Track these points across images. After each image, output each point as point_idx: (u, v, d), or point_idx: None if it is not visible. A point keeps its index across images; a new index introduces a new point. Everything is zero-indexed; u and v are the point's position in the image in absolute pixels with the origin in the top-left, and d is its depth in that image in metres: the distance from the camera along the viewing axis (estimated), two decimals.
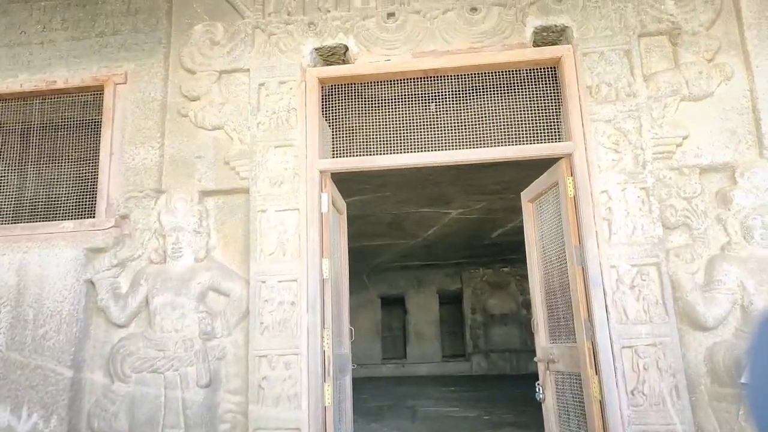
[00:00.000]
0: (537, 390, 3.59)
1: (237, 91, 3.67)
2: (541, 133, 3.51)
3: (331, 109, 3.79)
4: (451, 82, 3.68)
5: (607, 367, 3.00)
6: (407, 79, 3.69)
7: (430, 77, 3.67)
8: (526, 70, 3.57)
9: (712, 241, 3.16)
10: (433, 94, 3.70)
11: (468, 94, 3.69)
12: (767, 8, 3.29)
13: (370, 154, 3.60)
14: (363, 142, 3.68)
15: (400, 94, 3.76)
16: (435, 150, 3.53)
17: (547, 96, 3.57)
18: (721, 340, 3.03)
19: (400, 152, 3.58)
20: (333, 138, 3.84)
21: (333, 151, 3.76)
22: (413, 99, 3.72)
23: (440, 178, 6.70)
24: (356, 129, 3.75)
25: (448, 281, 15.83)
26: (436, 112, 3.66)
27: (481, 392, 10.31)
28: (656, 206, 3.14)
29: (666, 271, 3.07)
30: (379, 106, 3.76)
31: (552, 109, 3.58)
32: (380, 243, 11.78)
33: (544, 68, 3.56)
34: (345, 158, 3.60)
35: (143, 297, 3.42)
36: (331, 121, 3.84)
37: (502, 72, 3.60)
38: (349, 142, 3.71)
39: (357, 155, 3.61)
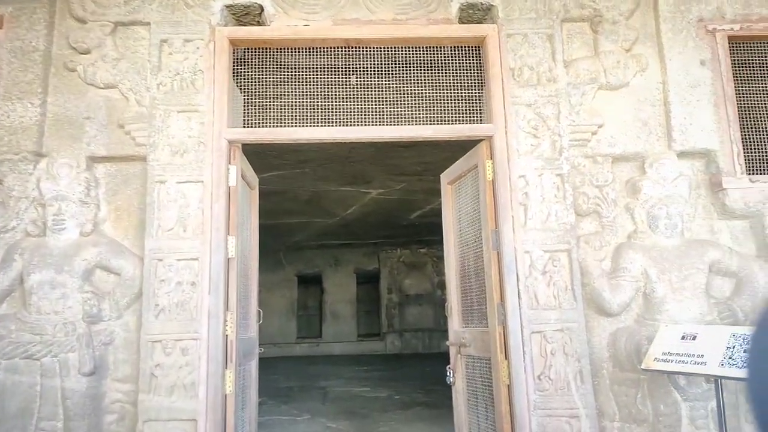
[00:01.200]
0: (447, 374, 3.56)
1: (135, 46, 3.28)
2: (463, 113, 3.42)
3: (244, 74, 3.49)
4: (374, 54, 3.49)
5: (516, 351, 3.00)
6: (327, 48, 3.46)
7: (352, 47, 3.46)
8: (451, 47, 3.46)
9: (620, 230, 3.23)
10: (355, 66, 3.50)
11: (390, 68, 3.52)
12: (682, 2, 3.36)
13: (285, 126, 3.35)
14: (278, 112, 3.42)
15: (319, 63, 3.53)
16: (355, 125, 3.35)
17: (471, 76, 3.48)
18: (623, 326, 3.12)
19: (318, 125, 3.37)
20: (245, 106, 3.54)
21: (245, 120, 3.47)
22: (333, 70, 3.50)
23: (361, 156, 6.53)
24: (271, 98, 3.48)
25: (365, 261, 15.82)
26: (357, 85, 3.47)
27: (393, 371, 10.41)
28: (570, 193, 3.15)
29: (576, 258, 3.10)
30: (296, 75, 3.51)
31: (475, 89, 3.50)
32: (298, 221, 11.49)
33: (468, 47, 3.46)
34: (257, 128, 3.33)
35: (17, 274, 3.01)
36: (243, 87, 3.54)
37: (426, 47, 3.46)
38: (263, 112, 3.43)
39: (271, 126, 3.36)
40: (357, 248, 15.43)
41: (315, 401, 7.24)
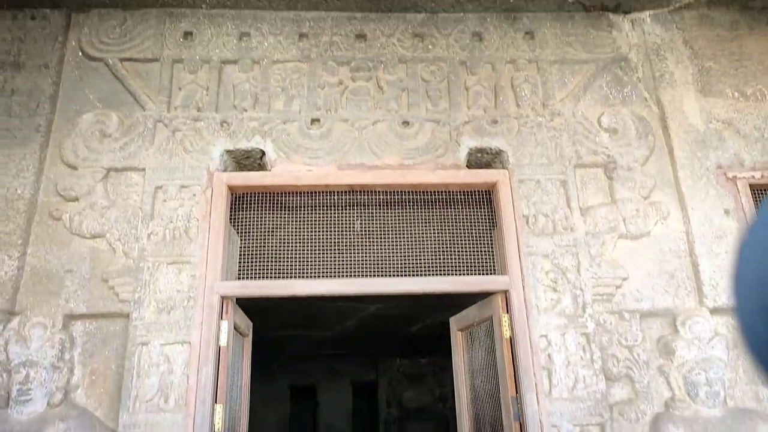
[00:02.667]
0: None
1: (127, 193, 3.10)
2: (475, 262, 3.19)
3: (241, 218, 3.29)
4: (379, 198, 3.33)
5: None
6: (331, 192, 3.30)
7: (357, 192, 3.30)
8: (461, 192, 3.30)
9: (656, 396, 2.88)
10: (359, 211, 3.32)
11: (397, 213, 3.35)
12: (698, 149, 3.26)
13: (284, 277, 3.10)
14: (276, 261, 3.18)
15: (322, 205, 3.35)
16: (359, 276, 3.10)
17: (482, 221, 3.30)
18: None
19: (320, 276, 3.12)
20: (242, 252, 3.31)
21: (240, 267, 3.23)
22: (337, 214, 3.31)
23: None
24: (270, 245, 3.26)
25: (362, 372, 15.03)
26: (362, 232, 3.27)
27: None
28: (598, 355, 2.85)
29: None
30: (297, 220, 3.32)
31: (486, 236, 3.30)
32: (293, 333, 11.00)
33: (479, 191, 3.30)
34: (254, 281, 3.08)
35: None
36: (240, 231, 3.34)
37: (434, 192, 3.30)
38: (261, 261, 3.20)
39: (269, 276, 3.10)
40: (354, 358, 14.73)
41: None
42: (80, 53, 3.38)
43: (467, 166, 3.31)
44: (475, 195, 3.31)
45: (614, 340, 2.92)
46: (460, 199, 3.32)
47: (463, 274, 3.14)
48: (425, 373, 14.84)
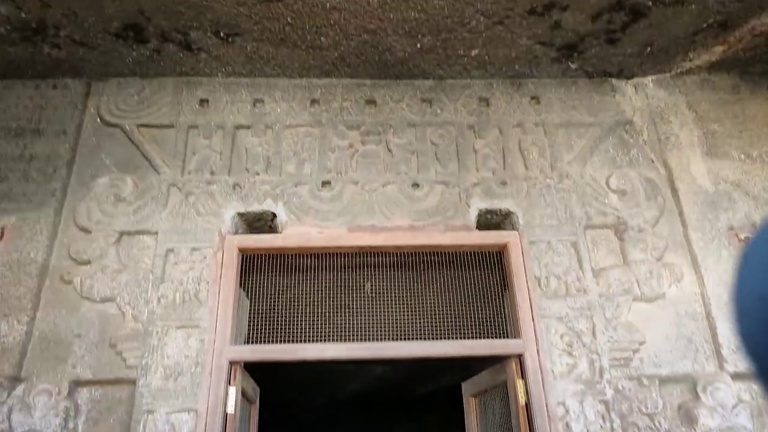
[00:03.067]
0: None
1: (139, 256, 3.11)
2: (487, 323, 3.14)
3: (251, 279, 3.28)
4: (390, 259, 3.32)
5: None
6: (341, 254, 3.30)
7: (367, 253, 3.30)
8: (471, 253, 3.29)
9: None
10: (370, 273, 3.31)
11: (407, 275, 3.33)
12: (709, 210, 3.27)
13: (294, 340, 3.06)
14: (286, 322, 3.15)
15: (332, 267, 3.34)
16: (369, 341, 3.05)
17: (493, 283, 3.27)
18: None
19: (329, 339, 3.07)
20: (251, 313, 3.29)
21: (250, 330, 3.19)
22: (347, 276, 3.30)
23: None
24: (280, 306, 3.24)
25: None
26: (372, 293, 3.25)
27: None
28: (618, 424, 2.75)
29: None
30: (307, 282, 3.31)
31: (498, 297, 3.26)
32: (297, 397, 10.71)
33: (489, 253, 3.30)
34: (264, 345, 3.03)
35: None
36: (250, 292, 3.32)
37: (444, 253, 3.30)
38: (270, 321, 3.16)
39: (278, 340, 3.06)
40: (361, 427, 14.25)
41: None
42: (98, 120, 3.48)
43: (477, 227, 3.32)
44: (485, 257, 3.30)
45: (634, 408, 2.82)
46: (471, 260, 3.30)
47: (475, 338, 3.08)
48: None
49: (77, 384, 2.82)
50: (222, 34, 3.22)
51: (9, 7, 2.95)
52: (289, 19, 3.10)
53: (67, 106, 3.48)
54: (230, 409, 2.83)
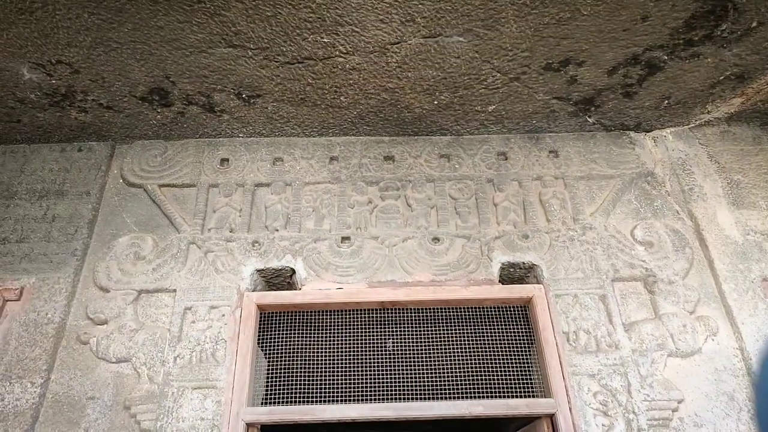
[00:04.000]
0: None
1: (157, 315, 3.07)
2: (513, 381, 3.00)
3: (269, 337, 3.20)
4: (411, 315, 3.24)
5: None
6: (362, 310, 3.23)
7: (388, 309, 3.22)
8: (494, 308, 3.20)
9: None
10: (391, 329, 3.22)
11: (429, 331, 3.23)
12: (740, 261, 3.16)
13: (313, 400, 2.94)
14: (305, 381, 3.04)
15: (352, 324, 3.26)
16: (392, 400, 2.92)
17: (518, 338, 3.15)
18: None
19: (350, 399, 2.95)
20: (268, 372, 3.18)
21: (267, 390, 3.08)
22: (367, 333, 3.21)
23: None
24: (298, 364, 3.14)
25: None
26: (394, 350, 3.14)
27: None
28: None
29: None
30: (327, 339, 3.22)
31: (523, 353, 3.13)
32: None
33: (513, 307, 3.20)
34: (281, 407, 2.91)
35: None
36: (267, 350, 3.23)
37: (467, 309, 3.21)
38: (289, 380, 3.06)
39: (296, 400, 2.94)
40: None
41: None
42: (121, 180, 3.54)
43: (500, 281, 3.25)
44: (509, 311, 3.20)
45: None
46: (495, 315, 3.20)
47: (502, 397, 2.93)
48: None
49: None
50: (244, 95, 3.31)
51: (40, 74, 3.07)
52: (309, 80, 3.18)
53: (91, 167, 3.55)
54: None
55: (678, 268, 3.17)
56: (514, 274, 3.33)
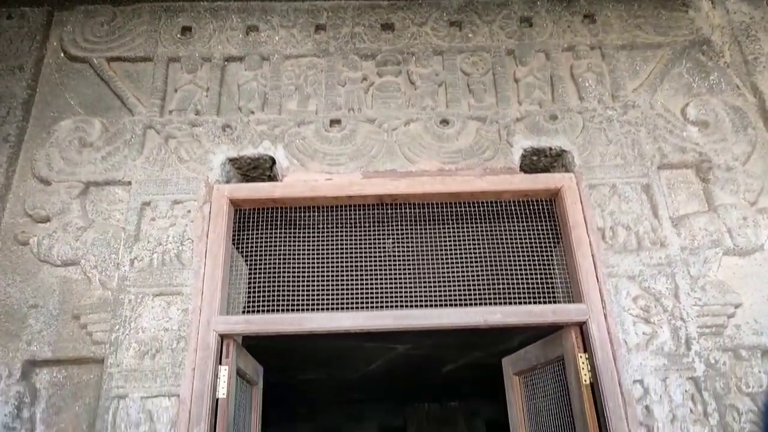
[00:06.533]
0: None
1: (109, 211, 2.56)
2: (534, 285, 2.54)
3: (248, 239, 2.71)
4: (415, 211, 2.72)
5: None
6: (356, 206, 2.71)
7: (387, 205, 2.71)
8: (513, 202, 2.68)
9: None
10: (391, 228, 2.72)
11: (436, 230, 2.73)
12: None
13: (300, 310, 2.49)
14: (291, 290, 2.58)
15: (345, 223, 2.76)
16: (391, 308, 2.47)
17: (541, 238, 2.66)
18: None
19: (344, 306, 2.49)
20: (250, 280, 2.72)
21: (249, 301, 2.62)
22: (363, 233, 2.71)
23: None
24: (283, 271, 2.67)
25: (389, 417, 14.11)
26: (395, 253, 2.66)
27: None
28: (713, 407, 2.15)
29: None
30: (316, 241, 2.73)
31: (546, 254, 2.65)
32: (316, 377, 10.29)
33: (536, 201, 2.68)
34: (260, 315, 2.46)
35: None
36: (247, 255, 2.75)
37: (482, 204, 2.69)
38: (272, 289, 2.59)
39: (282, 310, 2.49)
40: (380, 403, 13.84)
41: None
42: (62, 54, 2.92)
43: (521, 170, 2.71)
44: (532, 206, 2.68)
45: (731, 386, 2.22)
46: (514, 211, 2.69)
47: (517, 304, 2.47)
48: (456, 418, 13.86)
49: (33, 364, 2.29)
50: None
51: None
52: None
53: (24, 38, 2.92)
54: (221, 394, 2.28)
55: (738, 152, 2.63)
56: (537, 163, 2.79)
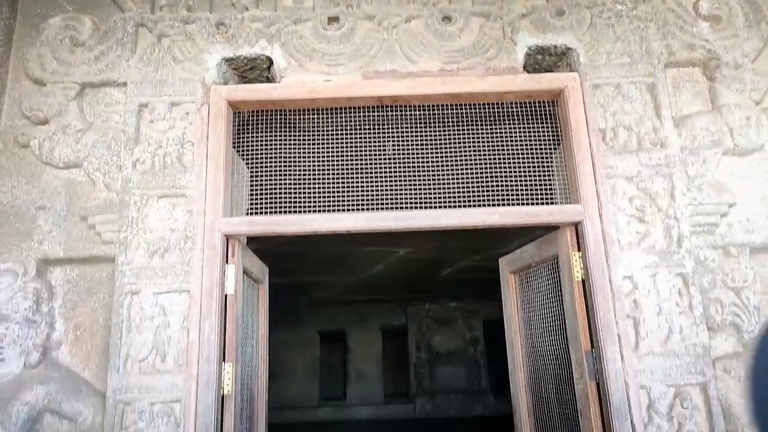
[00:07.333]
0: None
1: (107, 113, 2.54)
2: (533, 188, 2.57)
3: (248, 142, 2.71)
4: (416, 113, 2.70)
5: None
6: (356, 108, 2.68)
7: (387, 107, 2.68)
8: (516, 103, 2.64)
9: None
10: (391, 130, 2.70)
11: (437, 131, 2.72)
12: None
13: (302, 212, 2.54)
14: (293, 192, 2.61)
15: (345, 125, 2.74)
16: (392, 209, 2.51)
17: (543, 139, 2.65)
18: None
19: (345, 207, 2.54)
20: (252, 183, 2.75)
21: (252, 203, 2.67)
22: (363, 135, 2.70)
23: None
24: (285, 174, 2.69)
25: (392, 316, 14.81)
26: (395, 155, 2.66)
27: None
28: (699, 300, 2.25)
29: (715, 395, 2.16)
30: (316, 143, 2.72)
31: (547, 156, 2.65)
32: (320, 279, 10.66)
33: (539, 102, 2.64)
34: (264, 217, 2.52)
35: None
36: (248, 158, 2.76)
37: (483, 105, 2.65)
38: (275, 192, 2.63)
39: (283, 212, 2.54)
40: (382, 303, 14.46)
41: None
42: None
43: (524, 70, 2.64)
44: (534, 107, 2.65)
45: (718, 281, 2.31)
46: (516, 112, 2.66)
47: (519, 205, 2.52)
48: (455, 317, 14.54)
49: (47, 263, 2.38)
50: None
51: None
52: None
53: None
54: (229, 290, 2.39)
55: (748, 49, 2.55)
56: (542, 62, 2.71)
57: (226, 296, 2.39)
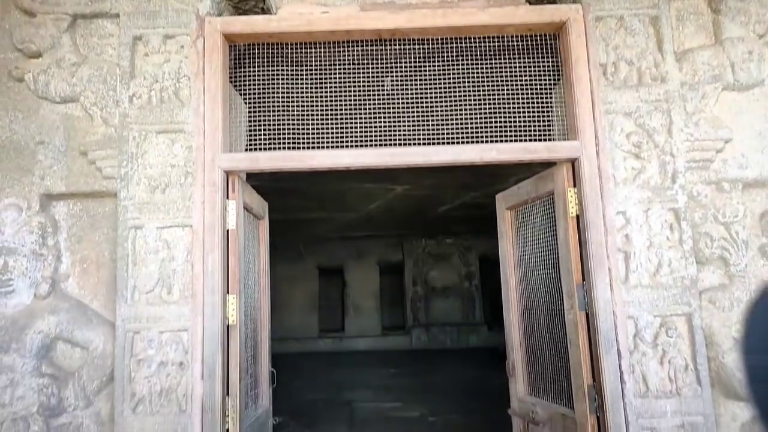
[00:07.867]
0: None
1: (101, 46, 2.50)
2: (533, 124, 2.57)
3: (246, 76, 2.67)
4: (414, 47, 2.65)
5: None
6: (353, 42, 2.63)
7: (386, 41, 2.63)
8: (517, 37, 2.60)
9: (754, 281, 2.38)
10: (389, 64, 2.67)
11: (436, 66, 2.68)
12: None
13: (298, 145, 2.55)
14: (291, 128, 2.61)
15: (343, 59, 2.70)
16: (391, 145, 2.53)
17: (543, 75, 2.62)
18: None
19: (343, 144, 2.55)
20: (250, 118, 2.74)
21: (250, 139, 2.67)
22: (361, 69, 2.66)
23: None
24: (283, 109, 2.67)
25: (389, 252, 15.09)
26: (393, 90, 2.64)
27: (424, 377, 9.70)
28: (689, 235, 2.31)
29: (699, 325, 2.27)
30: (314, 78, 2.69)
31: (548, 92, 2.63)
32: (318, 216, 10.76)
33: (540, 36, 2.59)
34: (264, 152, 2.53)
35: None
36: (246, 93, 2.73)
37: (483, 39, 2.60)
38: (273, 128, 2.62)
39: (281, 148, 2.55)
40: (380, 239, 14.69)
41: (341, 422, 6.59)
42: None
43: (527, 2, 2.58)
44: (535, 41, 2.60)
45: (709, 216, 2.37)
46: (516, 46, 2.62)
47: (517, 141, 2.53)
48: (451, 253, 14.82)
49: (50, 198, 2.42)
50: None
51: None
52: None
53: None
54: (231, 225, 2.44)
55: None
56: None
57: (228, 231, 2.44)
